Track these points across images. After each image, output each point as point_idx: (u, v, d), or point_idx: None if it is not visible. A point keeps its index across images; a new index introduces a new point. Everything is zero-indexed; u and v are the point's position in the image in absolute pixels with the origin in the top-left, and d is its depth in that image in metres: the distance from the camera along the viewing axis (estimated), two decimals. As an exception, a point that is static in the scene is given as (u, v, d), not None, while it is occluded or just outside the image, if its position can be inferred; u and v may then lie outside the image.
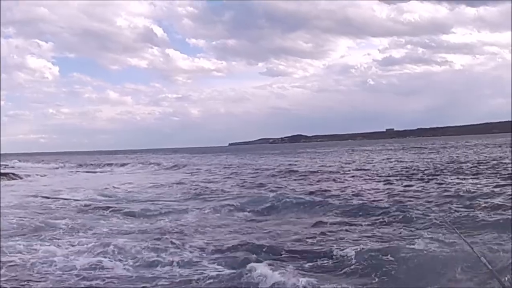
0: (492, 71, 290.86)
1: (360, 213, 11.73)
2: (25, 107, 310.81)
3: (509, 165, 23.51)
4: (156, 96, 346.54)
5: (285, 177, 24.49)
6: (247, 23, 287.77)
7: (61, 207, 14.66)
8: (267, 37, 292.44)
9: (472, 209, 11.04)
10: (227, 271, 7.00)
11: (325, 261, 7.45)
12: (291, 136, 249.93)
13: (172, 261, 7.61)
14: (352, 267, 7.04)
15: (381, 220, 10.72)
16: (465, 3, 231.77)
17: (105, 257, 7.89)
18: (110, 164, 49.11)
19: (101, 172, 39.83)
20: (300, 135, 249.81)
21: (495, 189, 14.46)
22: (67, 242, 9.15)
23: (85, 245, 8.73)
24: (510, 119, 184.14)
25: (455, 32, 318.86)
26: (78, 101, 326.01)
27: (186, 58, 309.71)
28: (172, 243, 8.81)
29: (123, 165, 47.22)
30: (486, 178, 18.38)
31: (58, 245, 8.89)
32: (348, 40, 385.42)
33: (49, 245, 8.83)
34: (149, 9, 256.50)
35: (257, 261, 7.32)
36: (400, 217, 10.64)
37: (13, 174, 30.95)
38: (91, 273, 7.17)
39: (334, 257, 7.57)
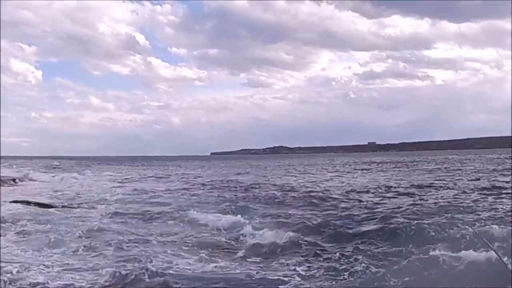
0: (474, 87, 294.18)
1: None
2: (7, 110, 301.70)
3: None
4: (138, 104, 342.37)
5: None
6: (228, 33, 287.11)
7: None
8: (248, 47, 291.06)
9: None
10: None
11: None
12: (273, 148, 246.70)
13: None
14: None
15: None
16: (447, 19, 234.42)
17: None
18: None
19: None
20: (282, 147, 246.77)
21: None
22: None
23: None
24: (491, 135, 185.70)
25: (437, 48, 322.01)
26: (61, 105, 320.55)
27: (168, 67, 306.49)
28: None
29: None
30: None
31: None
32: (330, 53, 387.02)
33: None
34: (132, 17, 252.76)
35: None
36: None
37: None
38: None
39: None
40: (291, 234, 9.66)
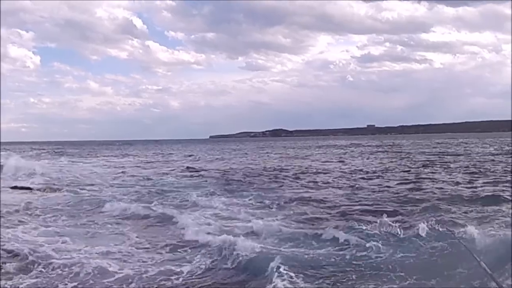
0: (473, 70, 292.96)
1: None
2: (6, 96, 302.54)
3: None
4: (136, 88, 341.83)
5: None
6: (226, 17, 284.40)
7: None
8: (246, 31, 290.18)
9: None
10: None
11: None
12: (273, 130, 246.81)
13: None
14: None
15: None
16: (445, 3, 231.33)
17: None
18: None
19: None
20: (282, 130, 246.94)
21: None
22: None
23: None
24: (491, 119, 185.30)
25: (435, 31, 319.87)
26: (59, 90, 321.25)
27: (166, 51, 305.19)
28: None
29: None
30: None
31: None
32: (327, 36, 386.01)
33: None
34: (129, 1, 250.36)
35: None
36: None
37: None
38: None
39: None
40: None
